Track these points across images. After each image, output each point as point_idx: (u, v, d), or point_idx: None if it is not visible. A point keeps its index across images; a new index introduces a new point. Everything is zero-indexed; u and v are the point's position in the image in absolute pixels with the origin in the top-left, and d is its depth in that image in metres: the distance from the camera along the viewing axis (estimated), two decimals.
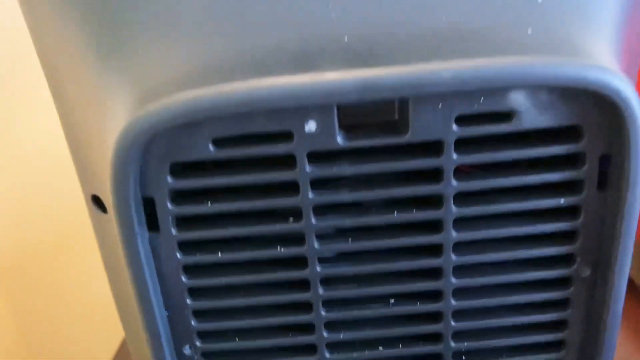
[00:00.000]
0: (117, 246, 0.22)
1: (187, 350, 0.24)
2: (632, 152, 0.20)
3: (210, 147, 0.19)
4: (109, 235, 0.24)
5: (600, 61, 0.19)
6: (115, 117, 0.20)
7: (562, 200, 0.21)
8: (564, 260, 0.23)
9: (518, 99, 0.19)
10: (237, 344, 0.24)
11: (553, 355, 0.24)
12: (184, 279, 0.22)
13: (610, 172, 0.21)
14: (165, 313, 0.23)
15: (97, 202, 0.24)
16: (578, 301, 0.23)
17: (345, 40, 0.19)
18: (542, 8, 0.19)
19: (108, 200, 0.23)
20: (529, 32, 0.19)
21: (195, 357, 0.24)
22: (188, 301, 0.22)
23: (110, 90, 0.20)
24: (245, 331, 0.24)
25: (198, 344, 0.23)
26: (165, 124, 0.18)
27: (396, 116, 0.20)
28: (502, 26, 0.19)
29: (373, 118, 0.20)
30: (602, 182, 0.21)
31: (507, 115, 0.19)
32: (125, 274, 0.22)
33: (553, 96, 0.19)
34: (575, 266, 0.22)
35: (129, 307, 0.24)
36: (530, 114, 0.19)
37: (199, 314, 0.23)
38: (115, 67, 0.20)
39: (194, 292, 0.22)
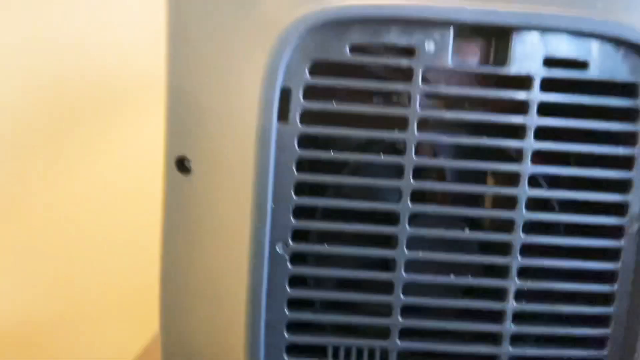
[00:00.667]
0: (195, 207, 0.26)
1: (280, 248, 0.26)
2: None
3: (347, 51, 0.24)
4: (187, 197, 0.28)
5: None
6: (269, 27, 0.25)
7: (620, 149, 0.26)
8: (620, 208, 0.26)
9: (592, 52, 0.25)
10: (324, 248, 0.26)
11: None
12: (295, 172, 0.25)
13: None
14: (272, 205, 0.25)
15: (180, 164, 0.28)
16: (628, 255, 0.26)
17: None
18: None
19: (198, 158, 0.27)
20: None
21: (286, 257, 0.26)
22: (293, 195, 0.25)
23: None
24: (333, 238, 0.26)
25: (291, 242, 0.26)
26: (323, 21, 0.23)
27: (497, 52, 0.25)
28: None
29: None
30: None
31: (583, 64, 0.25)
32: (197, 233, 0.25)
33: (618, 55, 0.25)
34: (626, 218, 0.26)
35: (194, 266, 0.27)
36: (600, 67, 0.25)
37: (298, 212, 0.26)
38: None
39: (299, 189, 0.25)
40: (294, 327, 0.26)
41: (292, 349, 0.26)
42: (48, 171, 0.62)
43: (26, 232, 0.62)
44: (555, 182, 0.27)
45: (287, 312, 0.26)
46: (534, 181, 0.26)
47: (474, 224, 0.27)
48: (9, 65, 0.60)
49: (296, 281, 0.26)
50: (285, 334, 0.26)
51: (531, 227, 0.26)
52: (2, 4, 0.59)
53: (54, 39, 0.60)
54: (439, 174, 0.28)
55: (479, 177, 0.27)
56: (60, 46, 0.60)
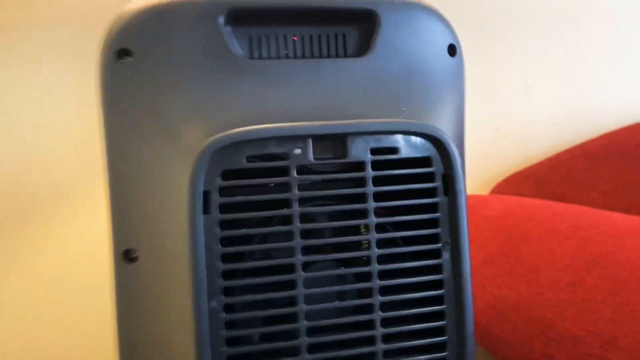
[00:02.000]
0: (141, 292, 0.37)
1: (213, 303, 0.36)
2: (455, 172, 0.40)
3: (244, 161, 0.37)
4: (133, 284, 0.38)
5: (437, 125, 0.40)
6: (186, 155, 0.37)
7: (426, 200, 0.40)
8: (435, 240, 0.40)
9: (398, 142, 0.39)
10: (246, 297, 0.37)
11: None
12: (218, 247, 0.36)
13: (449, 185, 0.40)
14: (205, 272, 0.36)
15: (126, 256, 0.39)
16: (446, 270, 0.40)
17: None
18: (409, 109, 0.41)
19: (142, 248, 0.38)
20: (404, 109, 0.40)
21: (219, 308, 0.36)
22: (218, 264, 0.36)
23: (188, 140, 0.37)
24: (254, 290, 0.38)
25: (222, 298, 0.36)
26: (223, 144, 0.36)
27: (341, 150, 0.39)
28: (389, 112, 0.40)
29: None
30: (446, 191, 0.40)
31: (394, 150, 0.39)
32: (149, 313, 0.36)
33: (416, 141, 0.40)
34: (440, 244, 0.40)
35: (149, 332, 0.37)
36: (406, 150, 0.39)
37: (225, 274, 0.37)
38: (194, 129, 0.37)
39: (223, 258, 0.37)
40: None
41: None
42: None
43: None
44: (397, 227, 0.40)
45: (224, 349, 0.36)
46: (381, 228, 0.40)
47: (352, 263, 0.40)
48: None
49: (231, 324, 0.37)
50: None
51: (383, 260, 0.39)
52: None
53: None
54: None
55: (352, 231, 0.40)
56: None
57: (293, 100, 0.39)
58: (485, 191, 1.02)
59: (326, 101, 0.40)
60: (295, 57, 0.40)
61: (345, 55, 0.41)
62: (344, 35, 0.41)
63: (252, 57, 0.39)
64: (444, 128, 0.41)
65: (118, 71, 0.38)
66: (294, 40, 0.40)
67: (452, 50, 0.44)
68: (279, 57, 0.40)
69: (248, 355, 0.37)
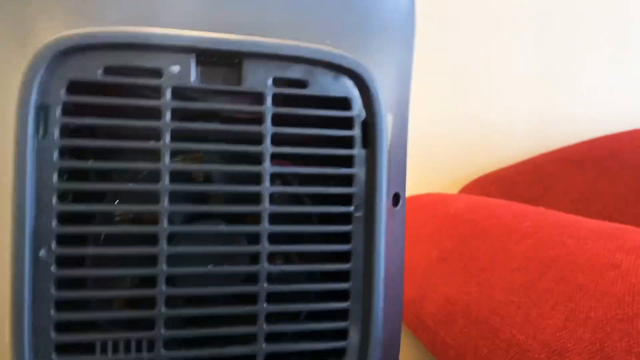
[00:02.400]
0: None
1: (43, 253, 0.28)
2: (378, 120, 0.32)
3: (99, 72, 0.28)
4: None
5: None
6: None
7: (339, 151, 0.32)
8: (345, 200, 0.32)
9: (310, 73, 0.31)
10: (87, 251, 0.28)
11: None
12: (54, 181, 0.28)
13: (369, 135, 0.32)
14: (33, 213, 0.27)
15: None
16: (357, 236, 0.32)
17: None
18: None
19: None
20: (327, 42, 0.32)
21: (49, 261, 0.28)
22: (54, 202, 0.28)
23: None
24: (97, 240, 0.29)
25: (54, 247, 0.28)
26: (71, 45, 0.27)
27: (236, 75, 0.30)
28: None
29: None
30: (364, 142, 0.32)
31: (303, 83, 0.31)
32: None
33: (331, 76, 0.31)
34: (352, 208, 0.32)
35: None
36: (318, 85, 0.31)
37: (60, 218, 0.28)
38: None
39: (60, 196, 0.28)
40: (63, 327, 0.28)
41: (61, 348, 0.28)
42: None
43: None
44: (298, 180, 0.32)
45: (53, 314, 0.28)
46: (283, 181, 0.31)
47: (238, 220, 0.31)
48: None
49: (65, 282, 0.28)
50: (53, 335, 0.28)
51: (282, 220, 0.31)
52: None
53: None
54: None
55: (241, 181, 0.31)
56: None
57: (189, 3, 0.30)
58: (453, 192, 0.96)
59: (233, 13, 0.31)
60: None
61: None
62: None
63: None
64: (380, 81, 0.33)
65: None
66: None
67: None
68: None
69: (84, 325, 0.29)
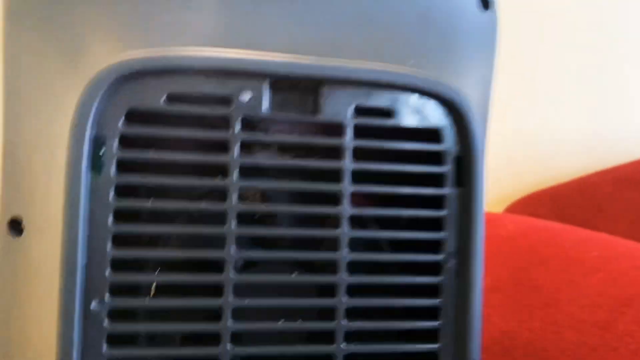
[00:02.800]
0: (25, 269, 0.25)
1: (94, 305, 0.24)
2: (475, 154, 0.27)
3: (163, 100, 0.24)
4: (17, 259, 0.26)
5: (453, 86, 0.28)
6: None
7: (429, 190, 0.27)
8: (434, 247, 0.28)
9: (396, 102, 0.27)
10: (146, 302, 0.25)
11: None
12: (110, 223, 0.24)
13: (464, 173, 0.28)
14: (84, 260, 0.24)
15: (12, 225, 0.27)
16: (447, 289, 0.28)
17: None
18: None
19: (31, 218, 0.26)
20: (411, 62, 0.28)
21: (102, 314, 0.24)
22: (108, 248, 0.24)
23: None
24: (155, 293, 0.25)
25: (107, 299, 0.24)
26: (130, 70, 0.24)
27: (312, 103, 0.26)
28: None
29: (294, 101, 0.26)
30: (458, 180, 0.28)
31: (388, 113, 0.27)
32: (27, 295, 0.24)
33: (420, 103, 0.27)
34: (443, 254, 0.28)
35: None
36: (405, 115, 0.27)
37: (115, 265, 0.24)
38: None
39: (115, 241, 0.24)
40: None
41: None
42: None
43: None
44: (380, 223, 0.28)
45: None
46: (359, 222, 0.27)
47: (307, 266, 0.27)
48: None
49: (118, 338, 0.25)
50: None
51: (357, 267, 0.27)
52: None
53: None
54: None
55: (313, 222, 0.27)
56: None
57: (258, 25, 0.27)
58: (496, 211, 0.91)
59: (307, 34, 0.27)
60: None
61: None
62: None
63: None
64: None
65: None
66: None
67: (484, 1, 0.32)
68: None
69: None
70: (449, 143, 0.28)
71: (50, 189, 0.25)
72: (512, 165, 0.91)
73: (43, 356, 0.25)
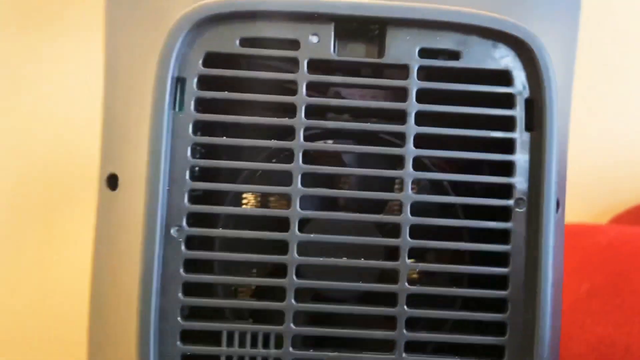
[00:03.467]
0: (118, 221, 0.28)
1: (174, 231, 0.26)
2: (547, 97, 0.26)
3: (237, 44, 0.26)
4: (113, 211, 0.29)
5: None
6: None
7: (498, 134, 0.27)
8: (504, 192, 0.27)
9: (463, 43, 0.27)
10: (217, 232, 0.27)
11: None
12: (188, 156, 0.26)
13: (534, 116, 0.27)
14: (167, 188, 0.26)
15: (110, 181, 0.30)
16: (517, 237, 0.27)
17: None
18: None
19: (126, 173, 0.29)
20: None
21: (180, 240, 0.26)
22: (187, 178, 0.26)
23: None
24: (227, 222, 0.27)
25: (185, 225, 0.26)
26: (206, 15, 0.26)
27: (377, 46, 0.27)
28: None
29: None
30: (529, 124, 0.27)
31: (455, 54, 0.27)
32: (119, 246, 0.27)
33: (488, 45, 0.27)
34: (512, 199, 0.27)
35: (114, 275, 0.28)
36: (472, 56, 0.27)
37: (192, 195, 0.27)
38: None
39: (193, 173, 0.27)
40: (189, 313, 0.26)
41: (187, 336, 0.26)
42: None
43: None
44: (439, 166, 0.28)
45: (181, 298, 0.26)
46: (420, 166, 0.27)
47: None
48: None
49: (193, 266, 0.27)
50: (179, 320, 0.26)
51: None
52: None
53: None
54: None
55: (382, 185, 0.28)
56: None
57: None
58: (601, 222, 0.85)
59: None
60: None
61: None
62: None
63: None
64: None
65: None
66: None
67: None
68: None
69: (210, 312, 0.27)
70: (519, 85, 0.27)
71: (140, 142, 0.28)
72: (618, 173, 0.84)
73: (130, 290, 0.27)
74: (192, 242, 0.27)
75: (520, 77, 0.27)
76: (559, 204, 0.29)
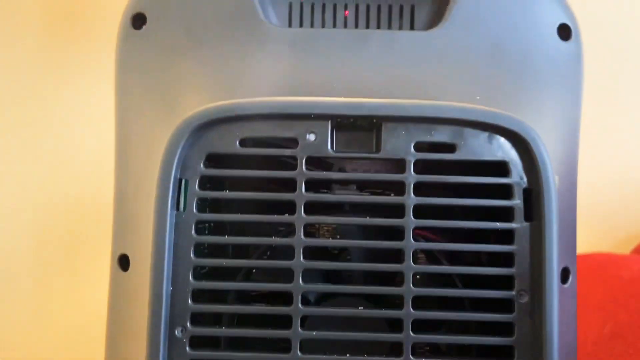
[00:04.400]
0: (129, 302, 0.28)
1: (178, 332, 0.27)
2: (545, 186, 0.27)
3: (237, 145, 0.27)
4: (124, 292, 0.30)
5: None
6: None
7: (497, 224, 0.27)
8: (505, 283, 0.27)
9: (459, 135, 0.27)
10: (223, 331, 0.27)
11: None
12: (192, 256, 0.27)
13: (533, 206, 0.27)
14: (170, 289, 0.27)
15: (122, 261, 0.31)
16: (521, 329, 0.27)
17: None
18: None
19: (136, 254, 0.30)
20: (477, 98, 0.28)
21: (184, 340, 0.27)
22: (190, 279, 0.27)
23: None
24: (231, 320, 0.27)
25: (189, 326, 0.27)
26: (207, 119, 0.27)
27: (374, 141, 0.28)
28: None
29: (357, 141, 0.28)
30: (527, 214, 0.27)
31: (451, 147, 0.27)
32: (130, 327, 0.27)
33: (484, 137, 0.27)
34: (513, 293, 0.27)
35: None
36: (469, 148, 0.27)
37: (195, 295, 0.27)
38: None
39: (196, 273, 0.27)
40: None
41: None
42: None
43: None
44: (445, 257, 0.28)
45: None
46: (431, 258, 0.28)
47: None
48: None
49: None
50: None
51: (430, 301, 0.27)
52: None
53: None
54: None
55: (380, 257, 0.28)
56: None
57: (329, 76, 0.29)
58: (624, 252, 0.83)
59: (371, 81, 0.29)
60: (344, 26, 0.31)
61: (412, 27, 0.30)
62: (411, 7, 0.31)
63: (288, 25, 0.30)
64: (543, 137, 0.28)
65: (132, 38, 0.31)
66: (346, 15, 0.31)
67: (565, 32, 0.31)
68: (322, 26, 0.31)
69: None
70: (516, 176, 0.27)
71: (150, 227, 0.29)
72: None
73: None
74: (196, 340, 0.27)
75: (517, 168, 0.27)
76: (568, 273, 0.29)
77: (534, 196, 0.27)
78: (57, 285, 0.64)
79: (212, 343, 0.28)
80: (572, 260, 0.29)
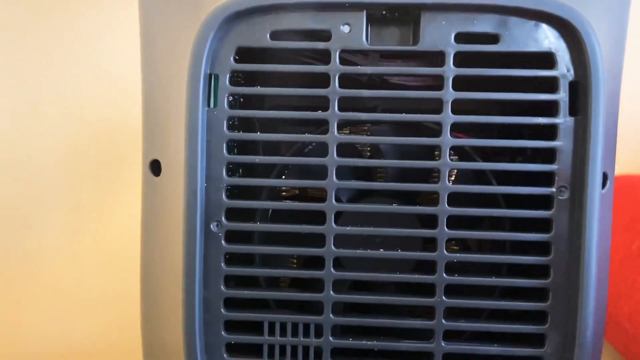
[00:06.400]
0: (162, 206, 0.28)
1: (214, 226, 0.27)
2: (593, 79, 0.25)
3: (268, 38, 0.26)
4: (157, 197, 0.30)
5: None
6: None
7: (539, 119, 0.26)
8: (545, 180, 0.26)
9: (502, 25, 0.26)
10: (257, 226, 0.27)
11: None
12: (224, 152, 0.27)
13: (579, 99, 0.26)
14: (204, 184, 0.27)
15: (153, 167, 0.30)
16: (560, 222, 0.26)
17: None
18: None
19: (167, 160, 0.29)
20: None
21: (220, 234, 0.27)
22: (224, 175, 0.27)
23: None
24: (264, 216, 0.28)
25: (224, 221, 0.27)
26: (236, 9, 0.25)
27: (411, 33, 0.26)
28: None
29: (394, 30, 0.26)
30: (573, 108, 0.26)
31: (494, 37, 0.26)
32: (164, 231, 0.27)
33: (530, 26, 0.25)
34: (554, 189, 0.26)
35: (158, 261, 0.28)
36: (513, 39, 0.26)
37: (229, 191, 0.27)
38: None
39: (229, 169, 0.27)
40: (231, 304, 0.27)
41: (229, 325, 0.27)
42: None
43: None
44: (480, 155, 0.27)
45: (223, 289, 0.27)
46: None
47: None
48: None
49: (235, 259, 0.28)
50: (222, 311, 0.27)
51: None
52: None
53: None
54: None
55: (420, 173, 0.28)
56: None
57: None
58: None
59: None
60: None
61: None
62: None
63: None
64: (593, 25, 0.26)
65: None
66: None
67: None
68: None
69: (251, 303, 0.28)
70: (563, 67, 0.26)
71: (180, 130, 0.28)
72: None
73: (177, 272, 0.28)
74: (231, 235, 0.27)
75: (564, 59, 0.26)
76: (606, 179, 0.28)
77: (580, 90, 0.26)
78: (87, 199, 0.65)
79: (246, 240, 0.28)
80: (611, 166, 0.28)
